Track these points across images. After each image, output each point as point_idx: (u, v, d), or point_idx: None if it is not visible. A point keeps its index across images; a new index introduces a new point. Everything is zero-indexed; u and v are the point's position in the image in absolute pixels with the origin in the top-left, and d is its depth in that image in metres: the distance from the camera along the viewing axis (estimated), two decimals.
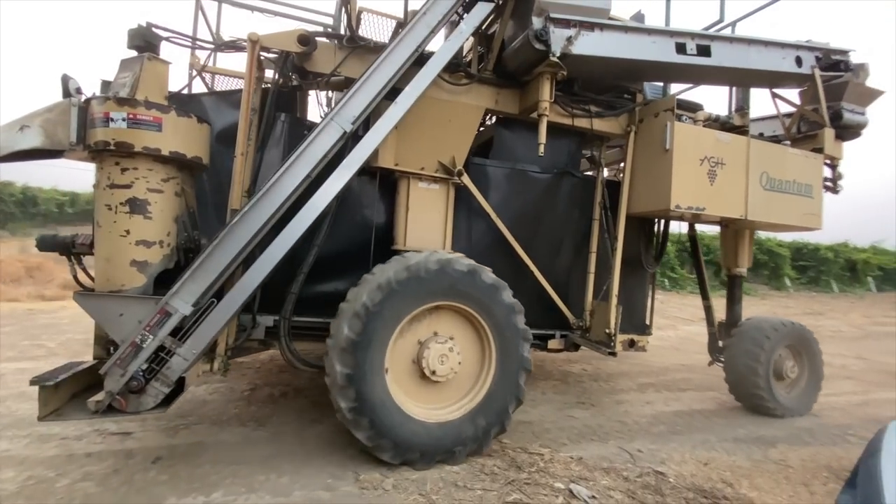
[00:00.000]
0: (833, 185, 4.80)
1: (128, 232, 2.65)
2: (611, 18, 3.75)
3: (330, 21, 5.20)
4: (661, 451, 3.67)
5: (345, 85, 3.71)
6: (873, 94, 4.62)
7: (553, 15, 3.38)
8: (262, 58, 3.35)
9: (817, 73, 4.39)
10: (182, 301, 2.67)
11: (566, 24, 3.45)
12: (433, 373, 3.23)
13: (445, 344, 3.26)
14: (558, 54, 3.41)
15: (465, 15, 3.58)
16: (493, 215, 4.01)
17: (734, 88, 4.87)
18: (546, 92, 3.58)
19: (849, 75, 4.53)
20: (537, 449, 3.45)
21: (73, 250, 2.86)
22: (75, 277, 2.94)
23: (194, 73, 3.51)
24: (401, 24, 3.82)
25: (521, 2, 3.49)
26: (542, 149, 3.64)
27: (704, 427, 4.36)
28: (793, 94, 4.89)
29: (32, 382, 2.96)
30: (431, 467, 3.13)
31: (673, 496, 2.91)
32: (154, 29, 2.93)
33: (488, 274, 3.33)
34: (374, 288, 3.03)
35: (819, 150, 4.50)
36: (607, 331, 4.21)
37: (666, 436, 4.05)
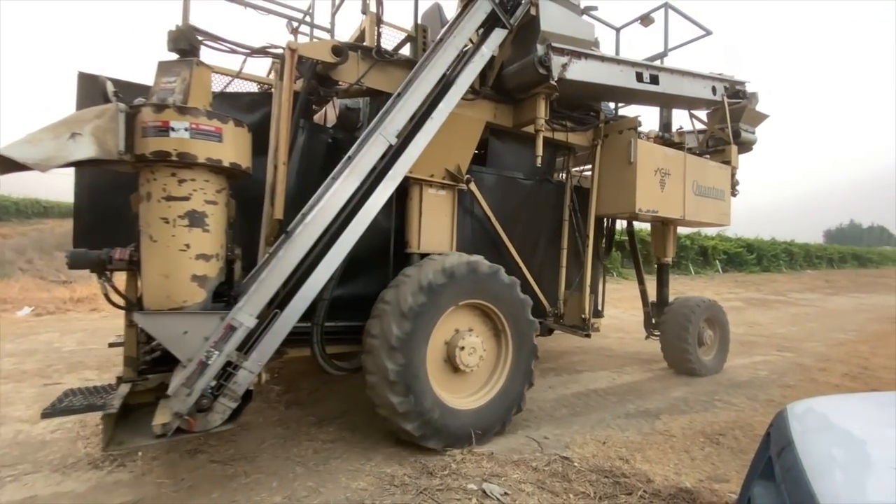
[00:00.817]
0: (732, 189, 6.03)
1: (188, 246, 2.55)
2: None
3: (297, 14, 5.12)
4: (565, 436, 3.78)
5: (361, 94, 3.81)
6: (761, 117, 5.91)
7: (553, 44, 3.87)
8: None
9: (725, 99, 5.51)
10: (247, 314, 2.65)
11: (561, 52, 3.96)
12: (464, 364, 3.55)
13: (473, 337, 3.59)
14: (556, 78, 3.91)
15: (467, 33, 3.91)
16: (492, 218, 4.40)
17: (663, 109, 5.87)
18: (542, 110, 4.07)
19: (745, 101, 5.74)
20: (449, 449, 3.37)
21: (108, 267, 2.64)
22: (106, 296, 2.71)
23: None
24: (410, 38, 4.01)
25: (523, 30, 3.90)
26: (539, 160, 4.14)
27: (600, 406, 4.62)
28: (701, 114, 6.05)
29: (44, 415, 2.72)
30: (466, 447, 3.42)
31: (578, 480, 2.98)
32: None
33: (504, 273, 3.73)
34: (416, 289, 3.25)
35: (727, 163, 5.65)
36: (583, 316, 4.89)
37: (568, 419, 4.20)
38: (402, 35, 4.16)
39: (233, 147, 2.65)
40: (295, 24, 5.16)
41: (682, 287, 20.56)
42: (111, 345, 4.37)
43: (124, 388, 2.74)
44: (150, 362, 2.87)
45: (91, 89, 3.43)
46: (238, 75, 3.35)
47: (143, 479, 2.95)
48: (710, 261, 27.20)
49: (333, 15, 4.53)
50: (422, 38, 3.98)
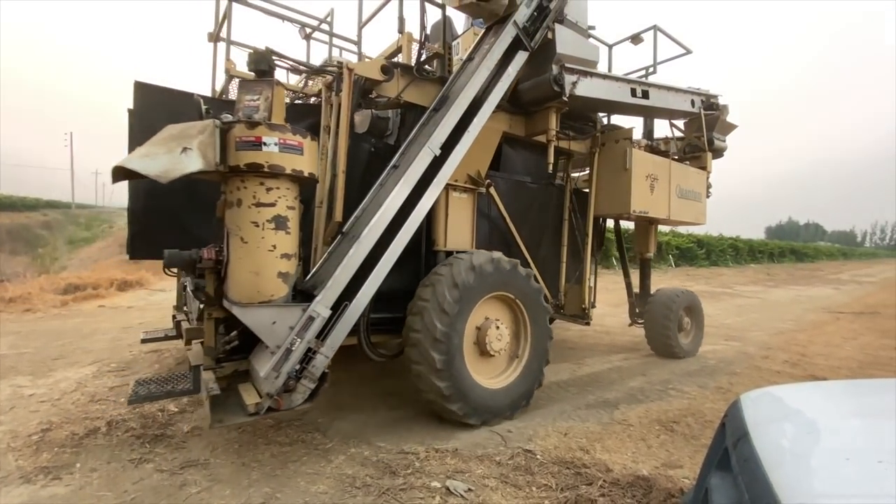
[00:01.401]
0: (707, 192, 6.76)
1: (275, 247, 2.87)
2: None
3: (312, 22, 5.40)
4: (528, 428, 3.81)
5: (396, 105, 4.17)
6: (731, 127, 6.67)
7: (565, 64, 4.37)
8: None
9: (702, 112, 6.20)
10: (323, 306, 3.00)
11: (571, 71, 4.47)
12: (492, 348, 4.00)
13: (499, 325, 4.04)
14: (568, 94, 4.41)
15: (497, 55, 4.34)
16: (507, 218, 4.87)
17: (647, 119, 6.51)
18: (553, 122, 4.57)
19: (718, 112, 6.47)
20: (413, 447, 3.33)
21: (198, 266, 2.92)
22: (193, 292, 2.98)
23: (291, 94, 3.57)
24: (438, 55, 4.39)
25: (539, 51, 4.37)
26: (550, 167, 4.64)
27: (561, 397, 4.68)
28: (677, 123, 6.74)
29: (131, 401, 2.99)
30: (499, 423, 3.89)
31: (541, 473, 3.00)
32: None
33: (521, 266, 4.20)
34: (468, 267, 3.73)
35: (703, 168, 6.36)
36: (583, 307, 5.45)
37: (531, 411, 4.22)
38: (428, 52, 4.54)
39: (309, 159, 2.98)
40: (308, 30, 5.44)
41: (638, 280, 21.57)
42: (144, 341, 4.58)
43: (209, 375, 3.02)
44: (228, 352, 3.15)
45: (146, 98, 3.66)
46: (302, 91, 3.64)
47: (80, 492, 2.72)
48: (663, 255, 28.80)
49: (360, 28, 4.83)
50: (447, 55, 4.38)
